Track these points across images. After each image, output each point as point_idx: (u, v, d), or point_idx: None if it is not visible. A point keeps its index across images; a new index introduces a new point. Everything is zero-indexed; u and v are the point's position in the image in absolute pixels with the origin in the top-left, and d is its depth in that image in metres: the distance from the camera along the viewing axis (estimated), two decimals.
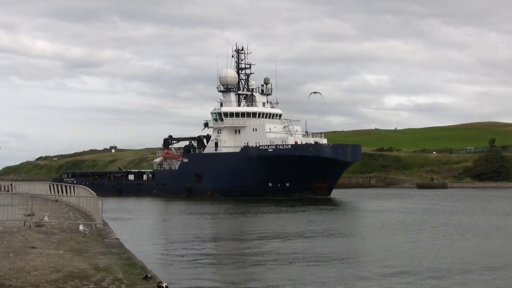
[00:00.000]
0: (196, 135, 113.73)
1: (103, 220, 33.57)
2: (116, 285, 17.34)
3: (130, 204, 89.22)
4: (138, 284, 17.47)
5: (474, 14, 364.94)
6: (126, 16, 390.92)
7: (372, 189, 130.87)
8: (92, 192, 38.17)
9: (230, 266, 32.76)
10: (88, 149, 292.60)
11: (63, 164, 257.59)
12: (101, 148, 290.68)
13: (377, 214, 66.30)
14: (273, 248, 38.78)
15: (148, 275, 18.56)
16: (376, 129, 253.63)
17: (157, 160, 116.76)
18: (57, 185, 52.88)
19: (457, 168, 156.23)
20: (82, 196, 41.48)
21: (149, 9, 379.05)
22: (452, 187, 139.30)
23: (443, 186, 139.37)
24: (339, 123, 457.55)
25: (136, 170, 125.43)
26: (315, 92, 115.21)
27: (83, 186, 45.52)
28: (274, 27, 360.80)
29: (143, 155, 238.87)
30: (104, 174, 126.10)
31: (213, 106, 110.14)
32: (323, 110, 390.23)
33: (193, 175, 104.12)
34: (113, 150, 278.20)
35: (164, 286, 17.24)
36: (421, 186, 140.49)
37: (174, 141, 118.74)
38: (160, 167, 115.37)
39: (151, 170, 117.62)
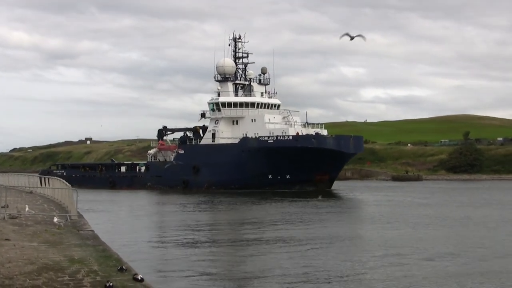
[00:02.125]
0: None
1: (78, 212, 34.13)
2: (91, 277, 17.61)
3: (121, 197, 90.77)
4: (113, 276, 17.73)
5: (452, 8, 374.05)
6: (105, 7, 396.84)
7: (348, 182, 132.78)
8: (67, 183, 38.69)
9: (207, 257, 33.75)
10: (63, 141, 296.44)
11: (37, 155, 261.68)
12: (76, 140, 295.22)
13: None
14: (252, 238, 40.77)
15: (124, 267, 18.81)
16: (346, 121, 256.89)
17: (152, 151, 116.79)
18: (45, 178, 52.86)
19: (431, 161, 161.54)
20: (57, 187, 42.05)
21: (128, 0, 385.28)
22: (427, 180, 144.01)
23: (418, 179, 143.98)
24: (316, 115, 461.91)
25: (129, 162, 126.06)
26: (357, 36, 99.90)
27: (58, 178, 46.58)
28: (253, 20, 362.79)
29: (119, 147, 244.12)
30: (95, 166, 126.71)
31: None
32: (299, 103, 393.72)
33: (190, 167, 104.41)
34: (88, 142, 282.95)
35: (139, 278, 17.53)
36: (396, 179, 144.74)
37: (169, 132, 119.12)
38: (155, 159, 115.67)
39: (145, 162, 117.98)
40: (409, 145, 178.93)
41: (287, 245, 38.10)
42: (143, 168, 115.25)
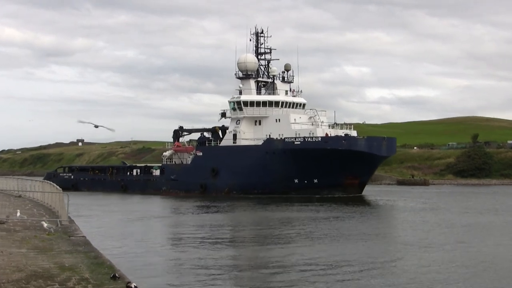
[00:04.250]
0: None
1: (69, 217, 34.66)
2: (83, 285, 17.85)
3: (132, 202, 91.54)
4: (106, 284, 18.06)
5: (459, 5, 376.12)
6: (100, 3, 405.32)
7: None
8: (58, 187, 39.38)
9: (203, 267, 33.85)
10: (54, 142, 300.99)
11: (27, 157, 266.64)
12: (67, 141, 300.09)
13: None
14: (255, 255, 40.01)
15: (116, 275, 19.10)
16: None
17: (167, 153, 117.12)
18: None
19: (438, 164, 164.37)
20: (47, 191, 42.70)
21: None
22: (433, 184, 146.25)
23: (424, 183, 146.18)
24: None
25: (143, 165, 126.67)
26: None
27: (48, 182, 47.43)
28: (254, 17, 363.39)
29: (112, 149, 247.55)
30: (105, 169, 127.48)
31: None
32: None
33: (208, 170, 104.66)
34: (80, 144, 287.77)
35: (133, 286, 17.84)
36: (401, 183, 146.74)
37: (185, 133, 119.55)
38: (170, 161, 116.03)
39: (160, 165, 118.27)
40: (415, 148, 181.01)
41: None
42: (157, 171, 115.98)
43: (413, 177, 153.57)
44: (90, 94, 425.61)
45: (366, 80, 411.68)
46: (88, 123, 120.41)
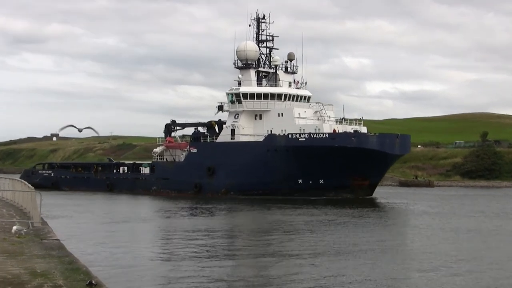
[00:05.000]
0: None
1: (42, 219, 34.52)
2: None
3: (117, 203, 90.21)
4: None
5: None
6: None
7: None
8: (30, 186, 39.44)
9: (190, 277, 32.55)
10: (26, 137, 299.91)
11: None
12: (40, 136, 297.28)
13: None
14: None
15: (93, 282, 18.95)
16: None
17: (158, 149, 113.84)
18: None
19: (444, 165, 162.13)
20: (18, 190, 42.79)
21: None
22: (439, 186, 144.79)
23: (429, 185, 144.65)
24: None
25: (131, 162, 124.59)
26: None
27: (20, 180, 47.64)
28: (246, 3, 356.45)
29: (89, 144, 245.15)
30: (90, 166, 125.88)
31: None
32: None
33: (204, 169, 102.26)
34: (54, 138, 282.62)
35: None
36: (403, 184, 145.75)
37: (178, 128, 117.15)
38: (161, 158, 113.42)
39: (150, 162, 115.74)
40: (419, 146, 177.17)
41: None
42: (147, 169, 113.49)
43: (416, 178, 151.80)
44: (66, 85, 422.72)
45: (367, 73, 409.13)
46: (69, 126, 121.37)
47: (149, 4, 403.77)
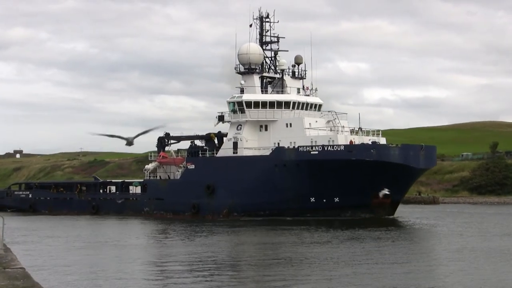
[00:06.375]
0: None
1: (5, 245, 34.13)
2: None
3: (100, 226, 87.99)
4: None
5: None
6: None
7: None
8: None
9: None
10: None
11: None
12: (2, 153, 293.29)
13: None
14: None
15: None
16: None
17: (150, 166, 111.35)
18: None
19: (450, 179, 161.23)
20: None
21: None
22: (444, 203, 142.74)
23: (433, 201, 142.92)
24: None
25: (120, 181, 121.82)
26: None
27: None
28: (229, 3, 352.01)
29: (57, 162, 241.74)
30: (72, 186, 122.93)
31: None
32: None
33: (202, 187, 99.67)
34: (17, 155, 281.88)
35: None
36: (405, 201, 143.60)
37: (173, 141, 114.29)
38: (154, 176, 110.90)
39: (141, 180, 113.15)
40: None
41: None
42: (138, 188, 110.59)
43: (419, 194, 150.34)
44: (30, 96, 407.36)
45: (364, 79, 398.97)
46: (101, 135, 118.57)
47: (122, 4, 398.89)
